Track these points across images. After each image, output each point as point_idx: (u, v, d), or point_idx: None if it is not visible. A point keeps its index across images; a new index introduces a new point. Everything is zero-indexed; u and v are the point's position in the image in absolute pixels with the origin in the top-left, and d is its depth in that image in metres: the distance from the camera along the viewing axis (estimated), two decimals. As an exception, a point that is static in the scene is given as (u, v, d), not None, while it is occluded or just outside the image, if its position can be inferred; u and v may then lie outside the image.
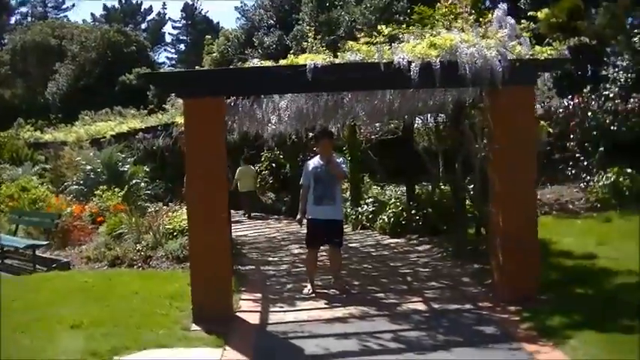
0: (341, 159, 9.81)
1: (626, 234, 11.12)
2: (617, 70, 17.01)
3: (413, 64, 7.50)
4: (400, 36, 8.24)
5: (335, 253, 9.32)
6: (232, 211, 20.01)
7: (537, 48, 8.10)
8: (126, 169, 17.89)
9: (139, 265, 11.17)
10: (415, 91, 9.40)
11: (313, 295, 8.96)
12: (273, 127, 12.50)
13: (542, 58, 7.98)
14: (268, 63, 8.24)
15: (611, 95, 16.20)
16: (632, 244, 10.23)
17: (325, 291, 9.15)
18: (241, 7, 41.24)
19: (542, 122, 10.64)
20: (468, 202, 11.83)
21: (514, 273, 7.92)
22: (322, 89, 8.94)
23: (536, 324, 6.92)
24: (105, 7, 72.44)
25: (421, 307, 8.17)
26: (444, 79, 7.56)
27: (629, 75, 16.50)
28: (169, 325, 7.45)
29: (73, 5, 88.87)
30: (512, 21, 7.99)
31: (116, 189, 15.80)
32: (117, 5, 72.33)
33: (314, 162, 9.19)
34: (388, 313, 7.90)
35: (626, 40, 17.56)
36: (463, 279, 9.57)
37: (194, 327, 7.41)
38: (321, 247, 9.46)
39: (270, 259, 12.50)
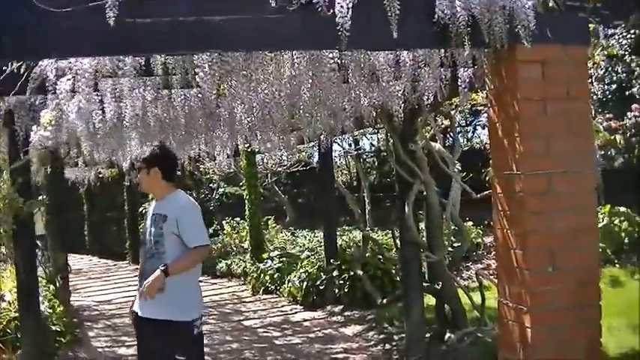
0: (183, 200, 4.67)
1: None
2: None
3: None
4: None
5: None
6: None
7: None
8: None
9: None
10: (341, 79, 5.16)
11: None
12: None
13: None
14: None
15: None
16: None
17: None
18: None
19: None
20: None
21: None
22: (139, 50, 3.97)
23: None
24: None
25: None
26: (407, 31, 3.53)
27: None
28: None
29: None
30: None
31: None
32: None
33: (152, 206, 4.80)
34: None
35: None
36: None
37: None
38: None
39: (123, 350, 8.08)
